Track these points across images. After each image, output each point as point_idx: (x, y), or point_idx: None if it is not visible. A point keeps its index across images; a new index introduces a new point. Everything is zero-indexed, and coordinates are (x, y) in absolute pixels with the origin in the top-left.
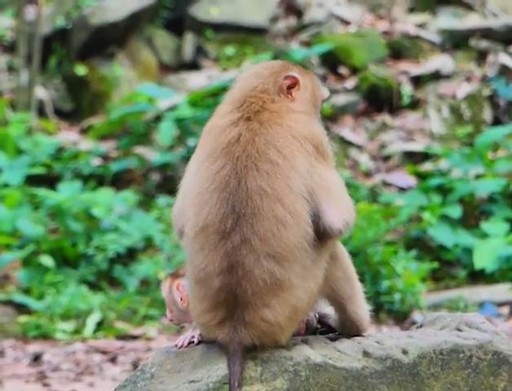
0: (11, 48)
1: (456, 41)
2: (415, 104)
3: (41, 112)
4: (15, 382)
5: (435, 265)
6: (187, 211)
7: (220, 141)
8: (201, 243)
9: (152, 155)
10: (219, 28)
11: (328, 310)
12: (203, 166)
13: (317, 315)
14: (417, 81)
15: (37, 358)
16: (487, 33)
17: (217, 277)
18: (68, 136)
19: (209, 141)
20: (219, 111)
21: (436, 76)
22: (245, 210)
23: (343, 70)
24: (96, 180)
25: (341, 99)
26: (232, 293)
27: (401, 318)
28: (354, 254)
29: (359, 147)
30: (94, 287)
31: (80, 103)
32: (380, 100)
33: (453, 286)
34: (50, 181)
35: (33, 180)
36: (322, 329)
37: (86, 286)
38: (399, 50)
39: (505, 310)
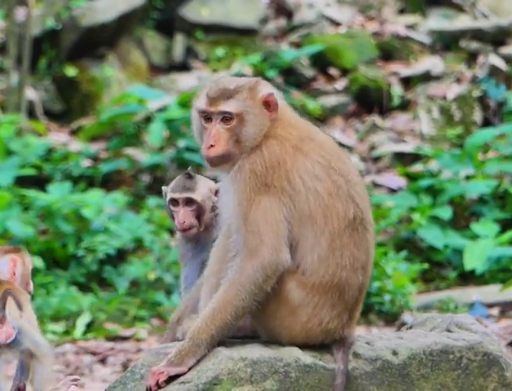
0: (0, 49)
1: (446, 43)
2: (405, 105)
3: (31, 114)
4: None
5: (425, 266)
6: (322, 213)
7: (333, 147)
8: (348, 238)
9: (142, 157)
10: (209, 29)
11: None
12: (333, 170)
13: None
14: (407, 82)
15: None
16: (477, 34)
17: (359, 273)
18: (58, 137)
19: (320, 150)
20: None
21: (426, 77)
22: (369, 205)
23: (333, 71)
24: (86, 181)
25: (331, 100)
26: (360, 291)
27: (391, 319)
28: None
29: (349, 148)
30: (84, 288)
31: (70, 104)
32: (370, 101)
33: (443, 287)
34: (40, 182)
35: (22, 181)
36: None
37: (75, 287)
38: (389, 51)
39: (495, 311)
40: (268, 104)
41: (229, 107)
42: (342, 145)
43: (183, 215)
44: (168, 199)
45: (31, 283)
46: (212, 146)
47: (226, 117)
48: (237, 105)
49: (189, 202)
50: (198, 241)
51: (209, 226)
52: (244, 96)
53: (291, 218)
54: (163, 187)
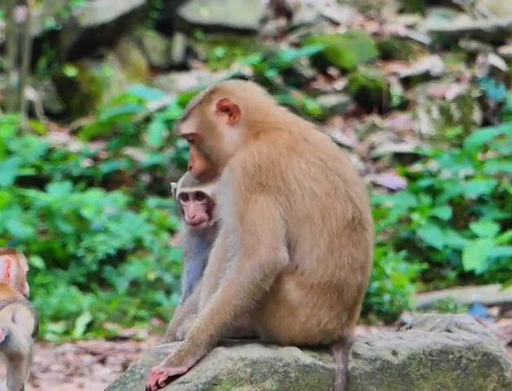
0: (0, 49)
1: (445, 42)
2: (405, 105)
3: (31, 114)
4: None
5: (425, 266)
6: (321, 213)
7: (330, 148)
8: (346, 239)
9: (142, 157)
10: (209, 29)
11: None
12: (330, 170)
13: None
14: (407, 82)
15: None
16: (476, 34)
17: (358, 274)
18: (57, 137)
19: (315, 151)
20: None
21: (426, 77)
22: (368, 205)
23: (333, 71)
24: (86, 181)
25: (330, 100)
26: (358, 291)
27: (391, 319)
28: None
29: (349, 148)
30: (83, 288)
31: (70, 104)
32: (369, 101)
33: (443, 287)
34: (39, 182)
35: (22, 181)
36: None
37: (75, 287)
38: (388, 51)
39: (494, 311)
40: (227, 109)
41: (184, 129)
42: (341, 145)
43: (194, 209)
44: (178, 193)
45: (26, 285)
46: (191, 167)
47: (188, 139)
48: (190, 125)
49: (200, 196)
50: (204, 237)
51: (217, 223)
52: (196, 112)
53: (288, 218)
54: (172, 183)
